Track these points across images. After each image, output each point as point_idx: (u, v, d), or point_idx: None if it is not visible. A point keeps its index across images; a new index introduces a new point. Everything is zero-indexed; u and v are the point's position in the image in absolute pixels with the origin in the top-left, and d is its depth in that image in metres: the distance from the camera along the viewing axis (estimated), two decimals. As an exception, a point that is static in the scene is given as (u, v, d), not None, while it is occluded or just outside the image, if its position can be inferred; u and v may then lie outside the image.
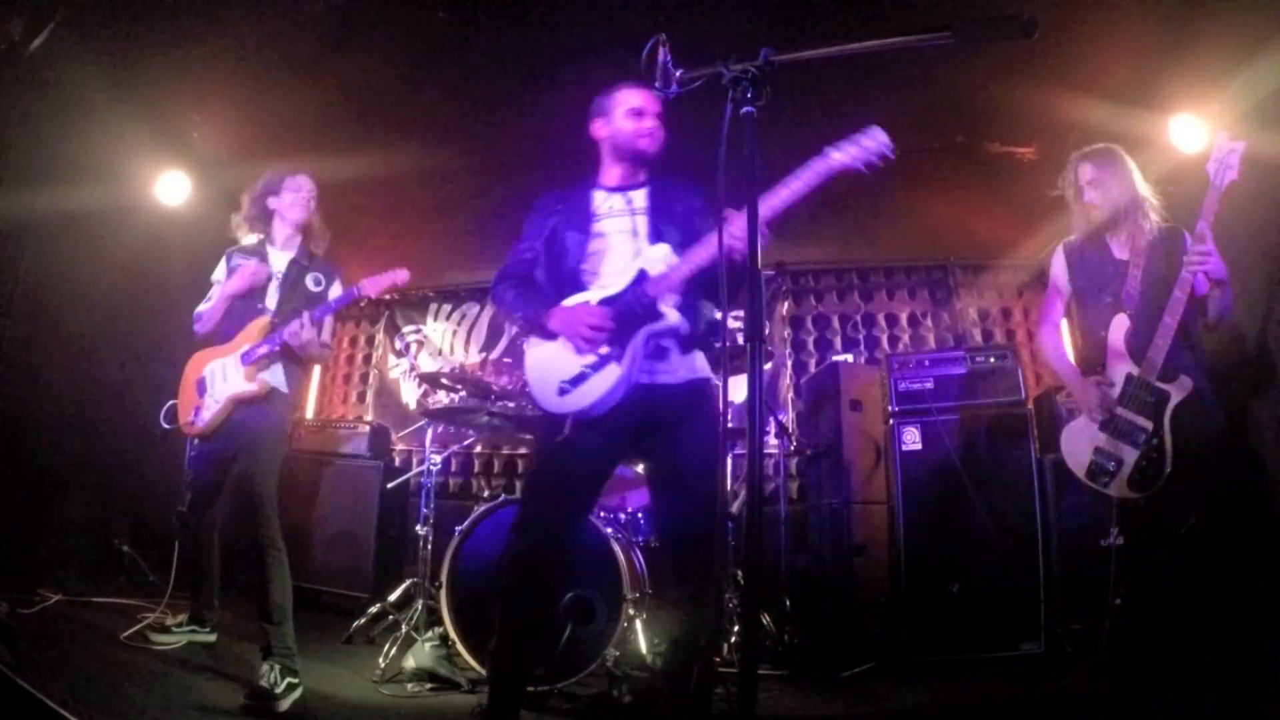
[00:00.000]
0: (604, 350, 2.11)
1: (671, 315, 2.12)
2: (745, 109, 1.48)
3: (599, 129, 2.37)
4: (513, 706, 2.16)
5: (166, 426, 3.04)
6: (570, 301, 2.20)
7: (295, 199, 3.02)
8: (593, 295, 2.19)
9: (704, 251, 2.06)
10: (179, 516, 3.09)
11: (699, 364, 2.27)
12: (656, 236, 2.23)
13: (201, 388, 2.95)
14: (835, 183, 4.43)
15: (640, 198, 2.31)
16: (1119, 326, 2.54)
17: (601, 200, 2.32)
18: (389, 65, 3.52)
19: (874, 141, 1.97)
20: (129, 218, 4.26)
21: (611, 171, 2.37)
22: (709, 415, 2.20)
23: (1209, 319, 2.53)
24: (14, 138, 3.57)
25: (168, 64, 3.45)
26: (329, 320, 3.01)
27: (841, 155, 1.98)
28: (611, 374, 2.09)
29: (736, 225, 1.84)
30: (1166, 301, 2.43)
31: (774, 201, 1.99)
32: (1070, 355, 2.92)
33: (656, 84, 1.63)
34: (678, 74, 1.63)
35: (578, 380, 2.12)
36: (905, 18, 2.95)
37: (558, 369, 2.15)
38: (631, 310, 2.12)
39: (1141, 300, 2.53)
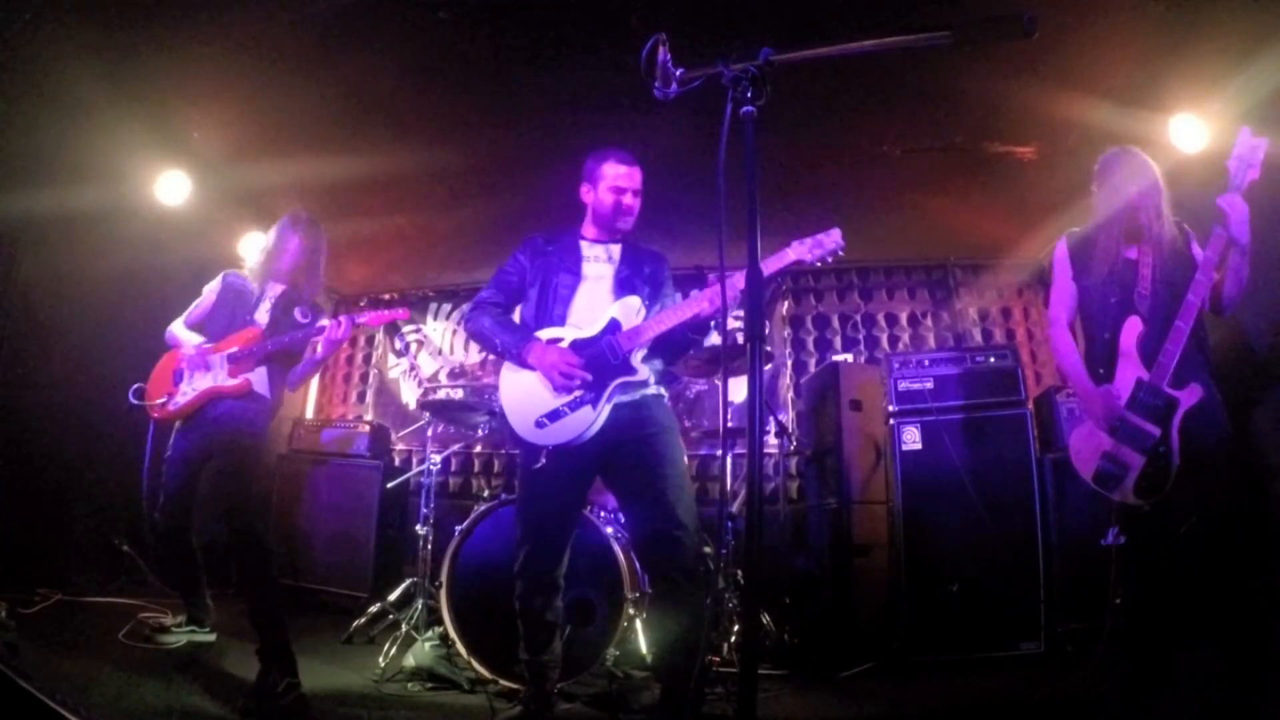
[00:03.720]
0: (579, 393, 2.34)
1: (642, 371, 2.38)
2: (745, 109, 1.48)
3: (586, 194, 2.61)
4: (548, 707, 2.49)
5: (134, 403, 3.04)
6: (546, 335, 2.43)
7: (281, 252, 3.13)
8: (568, 334, 2.42)
9: (671, 317, 2.34)
10: (151, 524, 3.10)
11: (651, 384, 2.50)
12: (628, 287, 2.50)
13: (178, 377, 2.99)
14: (835, 182, 4.48)
15: (617, 251, 2.60)
16: (1131, 329, 2.48)
17: (586, 248, 2.59)
18: (389, 65, 3.52)
19: (832, 243, 2.32)
20: (129, 218, 4.26)
21: (591, 229, 2.63)
22: (669, 424, 2.43)
23: (1227, 294, 2.46)
24: (14, 138, 3.56)
25: (168, 64, 3.44)
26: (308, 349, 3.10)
27: (798, 252, 2.31)
28: (586, 415, 2.32)
29: (716, 294, 2.26)
30: (1177, 304, 2.39)
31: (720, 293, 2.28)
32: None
33: (656, 83, 1.63)
34: (678, 74, 1.63)
35: (554, 416, 2.34)
36: (905, 17, 2.95)
37: (535, 402, 2.37)
38: (605, 359, 2.35)
39: (1153, 301, 2.48)
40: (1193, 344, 2.43)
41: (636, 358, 2.37)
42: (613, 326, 2.39)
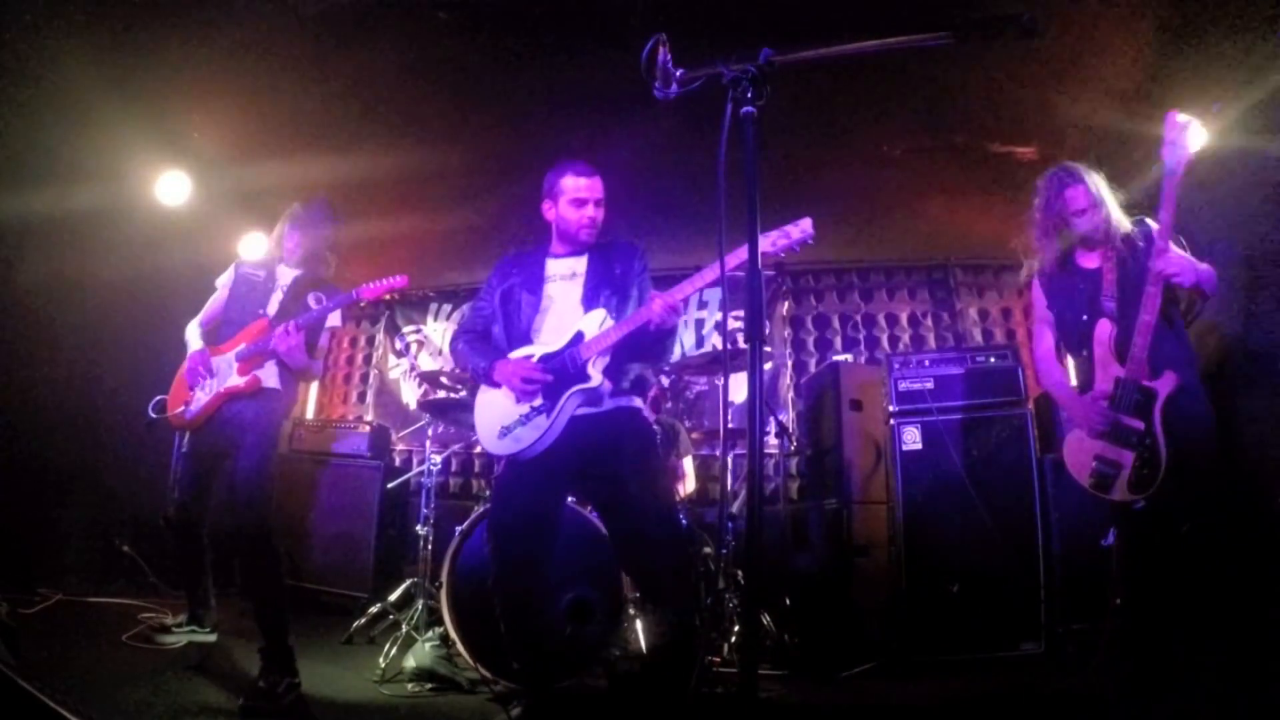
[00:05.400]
0: (537, 402, 2.36)
1: (596, 378, 2.35)
2: (745, 109, 1.48)
3: (547, 210, 2.60)
4: (548, 707, 2.44)
5: (153, 416, 3.05)
6: (516, 354, 2.47)
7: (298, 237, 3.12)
8: (536, 350, 2.45)
9: (627, 324, 2.33)
10: (165, 520, 3.10)
11: (626, 395, 2.48)
12: (594, 300, 2.48)
13: (193, 382, 2.97)
14: (835, 182, 4.44)
15: (583, 264, 2.56)
16: (1102, 332, 2.55)
17: (551, 266, 2.59)
18: (389, 65, 3.52)
19: (799, 231, 2.21)
20: (129, 218, 4.26)
21: (558, 245, 2.62)
22: (638, 435, 2.43)
23: (1203, 296, 2.50)
24: (14, 138, 3.57)
25: (168, 64, 3.44)
26: (324, 335, 3.06)
27: (762, 245, 2.19)
28: (541, 424, 2.34)
29: (656, 302, 2.27)
30: (1139, 302, 2.42)
31: (686, 289, 2.29)
32: (1070, 377, 2.90)
33: (657, 84, 1.63)
34: (678, 74, 1.63)
35: (513, 426, 2.38)
36: (906, 18, 2.95)
37: (499, 414, 2.41)
38: (565, 369, 2.36)
39: (1120, 302, 2.54)
40: (1165, 333, 2.47)
41: (595, 366, 2.36)
42: (576, 339, 2.40)
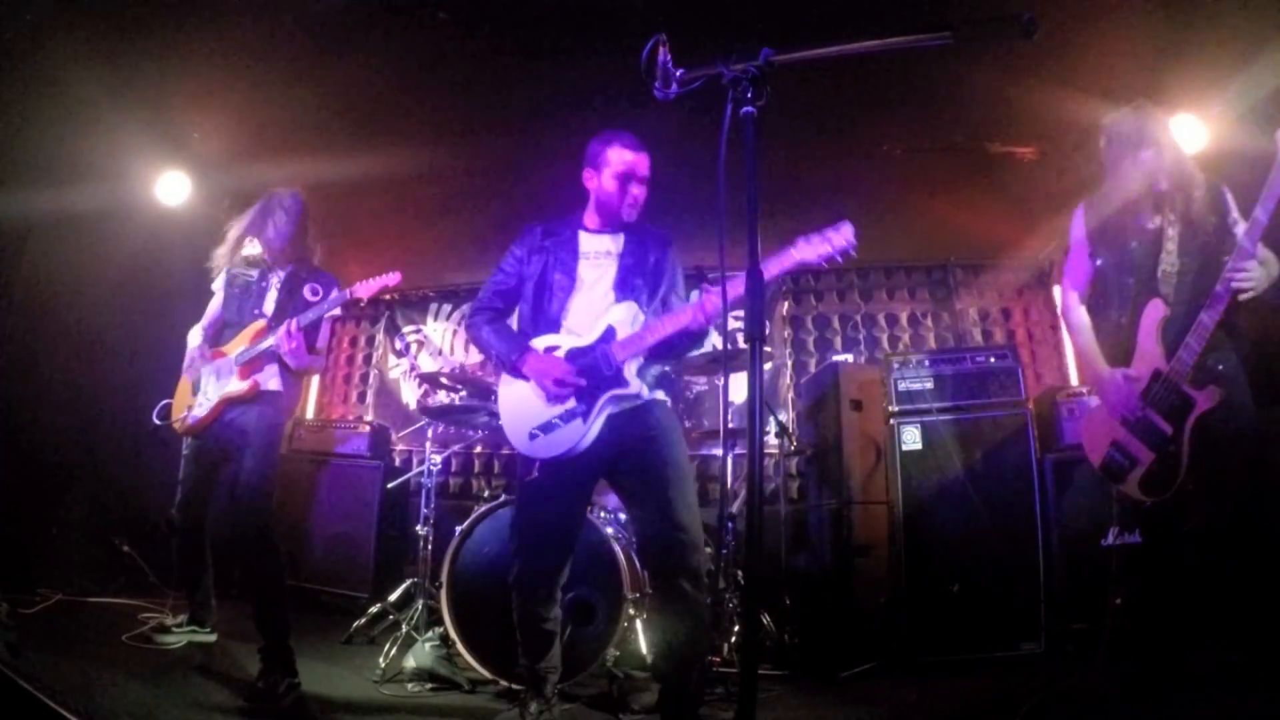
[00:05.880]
0: (571, 405, 2.28)
1: (634, 384, 2.30)
2: (745, 109, 1.48)
3: (588, 179, 2.47)
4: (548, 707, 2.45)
5: (158, 422, 3.06)
6: (540, 343, 2.37)
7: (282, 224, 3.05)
8: (564, 342, 2.35)
9: (662, 328, 2.25)
10: (168, 519, 3.11)
11: (652, 390, 2.43)
12: (626, 288, 2.38)
13: (196, 388, 2.98)
14: (835, 182, 4.45)
15: (619, 244, 2.46)
16: (1153, 314, 2.31)
17: (585, 241, 2.46)
18: (389, 66, 3.52)
19: (842, 239, 2.14)
20: (129, 218, 4.26)
21: (593, 217, 2.51)
22: (670, 430, 2.35)
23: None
24: (14, 138, 3.57)
25: (168, 64, 3.45)
26: (324, 328, 3.04)
27: (803, 253, 2.15)
28: (577, 429, 2.27)
29: (709, 304, 2.16)
30: (1205, 284, 2.20)
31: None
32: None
33: (656, 84, 1.63)
34: (678, 74, 1.63)
35: (547, 428, 2.29)
36: (905, 18, 2.95)
37: (529, 413, 2.32)
38: (599, 370, 2.28)
39: (1179, 280, 2.30)
40: (1221, 334, 2.25)
41: (630, 369, 2.31)
42: (608, 335, 2.31)
